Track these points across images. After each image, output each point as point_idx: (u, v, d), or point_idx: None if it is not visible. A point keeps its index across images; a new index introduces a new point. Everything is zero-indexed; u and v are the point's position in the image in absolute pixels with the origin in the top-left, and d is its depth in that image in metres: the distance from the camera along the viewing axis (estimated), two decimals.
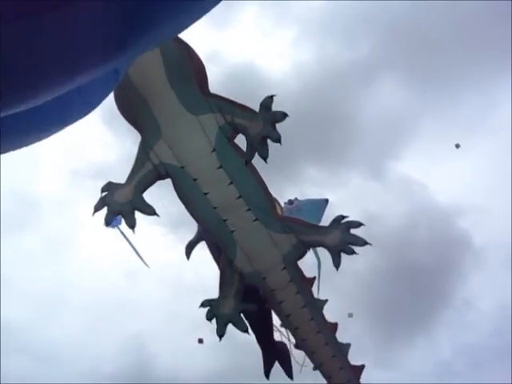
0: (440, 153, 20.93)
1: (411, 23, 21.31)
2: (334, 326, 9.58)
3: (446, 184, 21.46)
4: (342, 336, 9.81)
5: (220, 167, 7.93)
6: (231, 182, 8.00)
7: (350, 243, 8.28)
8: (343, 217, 8.49)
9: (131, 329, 22.11)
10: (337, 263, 8.41)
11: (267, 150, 7.60)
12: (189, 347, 20.29)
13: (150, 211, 8.02)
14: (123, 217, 8.00)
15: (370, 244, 8.30)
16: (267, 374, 10.01)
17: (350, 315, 11.43)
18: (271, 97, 7.51)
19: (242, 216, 8.22)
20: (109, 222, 8.04)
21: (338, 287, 10.05)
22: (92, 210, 8.02)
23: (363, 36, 22.48)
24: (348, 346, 9.78)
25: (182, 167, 7.95)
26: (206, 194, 8.04)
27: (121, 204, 7.92)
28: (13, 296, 19.76)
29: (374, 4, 21.91)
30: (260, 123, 7.50)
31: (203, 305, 8.70)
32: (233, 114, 7.76)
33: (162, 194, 8.53)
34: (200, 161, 7.94)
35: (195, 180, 7.97)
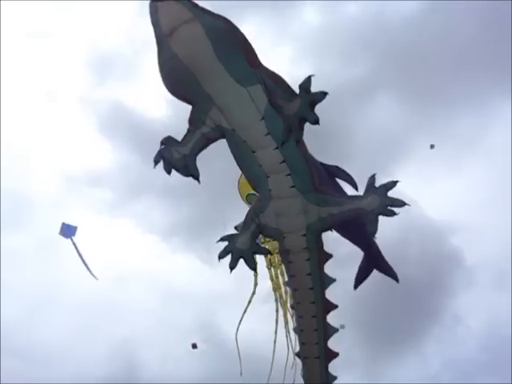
0: (433, 171, 21.21)
1: (407, 44, 21.68)
2: (331, 306, 9.70)
3: (439, 202, 21.65)
4: (333, 347, 9.85)
5: (268, 134, 8.24)
6: (277, 148, 8.31)
7: (389, 205, 8.38)
8: (374, 178, 8.66)
9: (120, 334, 22.21)
10: (373, 229, 8.49)
11: (301, 132, 7.88)
12: (177, 354, 20.45)
13: (196, 175, 8.56)
14: (177, 170, 8.56)
15: (409, 205, 8.43)
16: (357, 285, 10.11)
17: (342, 327, 11.51)
18: (309, 77, 7.62)
19: (281, 179, 8.59)
20: (169, 171, 8.59)
21: (330, 299, 10.22)
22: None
23: (360, 55, 22.82)
24: (335, 329, 9.86)
25: (233, 130, 8.38)
26: (253, 152, 8.44)
27: (176, 159, 8.50)
28: (3, 297, 19.81)
29: (371, 25, 22.36)
30: (297, 104, 7.65)
31: (222, 239, 9.11)
32: (273, 94, 7.97)
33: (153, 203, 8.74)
34: (249, 128, 8.30)
35: (244, 142, 8.40)
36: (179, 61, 7.89)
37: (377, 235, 8.57)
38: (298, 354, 10.17)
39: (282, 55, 22.64)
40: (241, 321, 10.95)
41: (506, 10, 18.93)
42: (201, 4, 7.78)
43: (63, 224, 12.90)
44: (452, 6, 21.19)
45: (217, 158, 9.07)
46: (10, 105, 22.61)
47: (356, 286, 10.14)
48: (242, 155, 8.64)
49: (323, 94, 7.54)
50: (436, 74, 20.80)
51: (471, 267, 21.96)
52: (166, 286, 23.44)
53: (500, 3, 19.69)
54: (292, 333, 11.25)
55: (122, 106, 23.55)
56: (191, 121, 8.52)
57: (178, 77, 8.09)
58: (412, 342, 20.73)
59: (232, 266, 8.99)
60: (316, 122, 7.63)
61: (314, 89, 7.56)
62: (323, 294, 9.50)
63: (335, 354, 9.97)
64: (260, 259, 10.27)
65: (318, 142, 8.84)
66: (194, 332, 20.04)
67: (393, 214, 8.37)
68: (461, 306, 21.78)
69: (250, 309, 11.17)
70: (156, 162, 8.59)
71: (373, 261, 10.03)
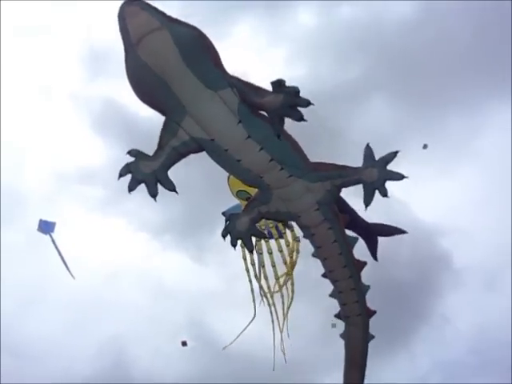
0: (425, 173, 21.28)
1: (402, 46, 21.84)
2: (361, 264, 9.89)
3: (429, 204, 21.78)
4: (327, 346, 9.97)
5: (249, 137, 8.21)
6: (261, 148, 8.30)
7: (387, 179, 8.53)
8: (370, 148, 8.74)
9: (111, 331, 22.21)
10: (369, 201, 8.62)
11: (283, 123, 7.95)
12: (167, 351, 20.49)
13: (170, 187, 8.48)
14: (146, 186, 8.43)
15: (407, 177, 8.54)
16: (375, 256, 10.28)
17: (334, 325, 11.59)
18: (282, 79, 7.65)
19: (276, 174, 8.63)
20: (132, 188, 8.49)
21: (321, 299, 10.31)
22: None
23: (355, 57, 22.93)
24: (368, 287, 10.03)
25: (212, 140, 8.28)
26: (238, 160, 8.42)
27: (145, 174, 8.40)
28: None
29: (365, 26, 22.46)
30: (278, 96, 7.63)
31: (226, 220, 9.28)
32: (246, 95, 7.98)
33: (145, 201, 8.77)
34: (228, 133, 8.23)
35: (226, 151, 8.33)
36: (149, 69, 7.84)
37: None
38: (337, 316, 10.39)
39: (277, 56, 22.71)
40: (236, 338, 11.11)
41: (504, 11, 19.15)
42: (195, 6, 7.80)
43: (41, 220, 12.90)
44: (447, 6, 21.40)
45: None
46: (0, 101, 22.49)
47: (376, 258, 10.29)
48: (228, 164, 8.62)
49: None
50: (430, 76, 20.98)
51: (460, 269, 22.18)
52: (157, 284, 23.52)
53: (496, 5, 19.89)
54: (285, 330, 11.43)
55: (115, 102, 23.49)
56: (162, 135, 8.41)
57: (149, 85, 8.02)
58: (401, 342, 20.88)
59: (233, 244, 9.13)
60: (308, 103, 7.58)
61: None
62: (352, 255, 9.69)
63: (373, 312, 10.20)
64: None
65: (310, 144, 8.91)
66: (184, 330, 20.14)
67: (385, 194, 8.52)
68: (449, 308, 22.02)
69: (241, 306, 11.29)
70: (121, 175, 8.47)
71: (367, 229, 10.14)
